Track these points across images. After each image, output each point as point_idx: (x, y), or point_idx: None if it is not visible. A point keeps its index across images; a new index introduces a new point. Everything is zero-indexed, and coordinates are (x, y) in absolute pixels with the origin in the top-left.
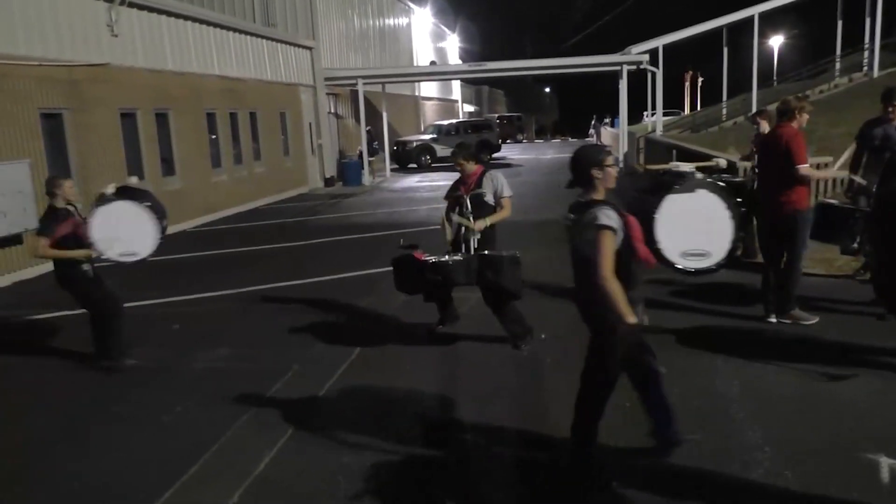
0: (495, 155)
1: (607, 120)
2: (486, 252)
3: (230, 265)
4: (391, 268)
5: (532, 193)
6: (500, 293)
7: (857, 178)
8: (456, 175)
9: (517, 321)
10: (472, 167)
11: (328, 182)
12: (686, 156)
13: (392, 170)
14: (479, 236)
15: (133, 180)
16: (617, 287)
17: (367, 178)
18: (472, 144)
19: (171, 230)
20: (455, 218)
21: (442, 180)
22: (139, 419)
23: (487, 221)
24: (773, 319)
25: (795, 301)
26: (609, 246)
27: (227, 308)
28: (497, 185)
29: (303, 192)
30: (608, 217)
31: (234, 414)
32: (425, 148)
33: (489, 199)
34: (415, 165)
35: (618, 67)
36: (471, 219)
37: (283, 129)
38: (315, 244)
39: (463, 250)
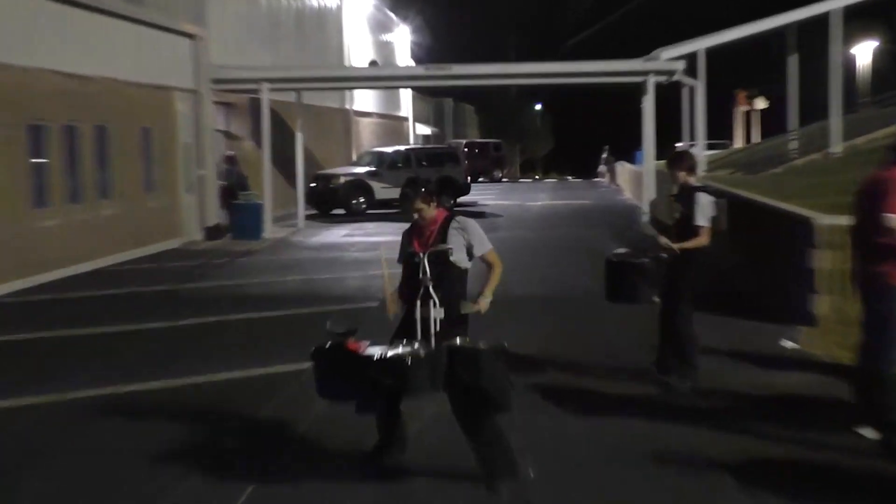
0: (461, 199)
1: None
2: (457, 341)
3: (59, 357)
4: (312, 362)
5: (516, 258)
6: (478, 402)
7: None
8: (405, 225)
9: (498, 447)
10: (433, 212)
11: (212, 233)
12: (741, 208)
13: (308, 216)
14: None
15: None
16: None
17: (269, 229)
18: (431, 181)
19: None
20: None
21: (382, 234)
22: None
23: (489, 296)
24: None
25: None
26: None
27: (49, 423)
28: (469, 236)
29: (174, 246)
30: None
31: None
32: (359, 185)
33: (458, 257)
34: (342, 211)
35: (641, 78)
36: (430, 285)
37: (146, 153)
38: (191, 326)
39: (420, 338)
